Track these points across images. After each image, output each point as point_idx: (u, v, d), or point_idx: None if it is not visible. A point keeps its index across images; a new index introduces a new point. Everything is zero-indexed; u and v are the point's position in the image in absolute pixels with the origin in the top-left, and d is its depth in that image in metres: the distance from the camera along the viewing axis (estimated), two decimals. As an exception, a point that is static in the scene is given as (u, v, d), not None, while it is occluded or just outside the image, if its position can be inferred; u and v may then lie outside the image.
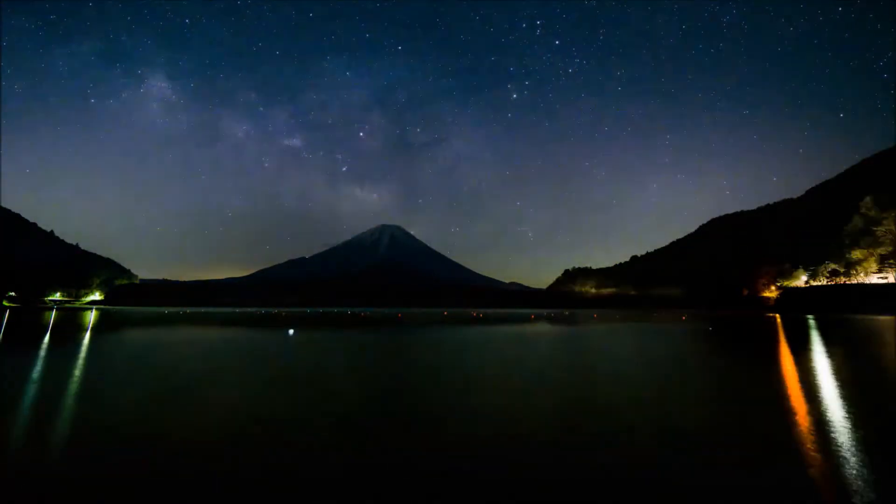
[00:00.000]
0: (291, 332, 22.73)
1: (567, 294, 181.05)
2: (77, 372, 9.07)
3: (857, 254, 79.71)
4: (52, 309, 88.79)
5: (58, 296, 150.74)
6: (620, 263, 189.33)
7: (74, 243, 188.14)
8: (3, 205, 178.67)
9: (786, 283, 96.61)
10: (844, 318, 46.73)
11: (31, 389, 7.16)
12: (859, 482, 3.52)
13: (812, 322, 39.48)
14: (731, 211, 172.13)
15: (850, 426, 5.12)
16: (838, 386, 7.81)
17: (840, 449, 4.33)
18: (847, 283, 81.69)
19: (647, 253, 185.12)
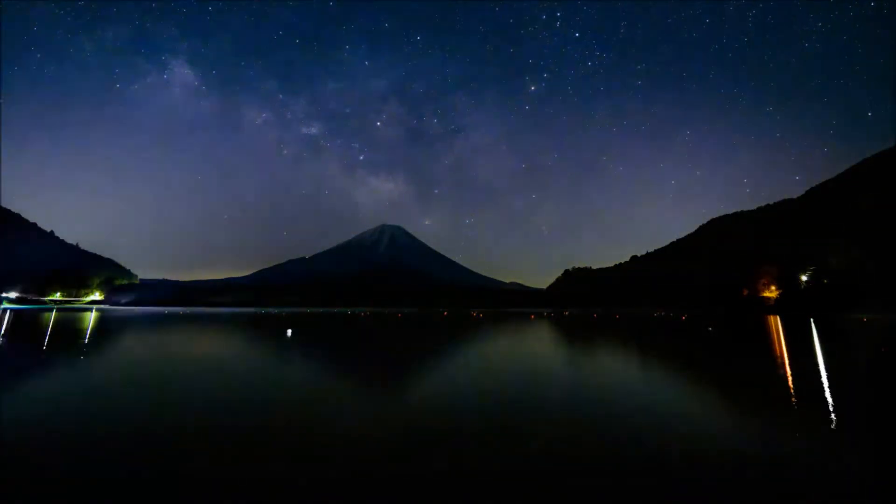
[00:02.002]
0: (290, 332, 22.71)
1: (567, 294, 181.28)
2: (68, 377, 9.05)
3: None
4: (52, 309, 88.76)
5: (58, 296, 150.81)
6: (620, 263, 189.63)
7: (74, 243, 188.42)
8: (3, 205, 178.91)
9: (785, 284, 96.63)
10: (845, 319, 46.71)
11: (25, 392, 7.14)
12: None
13: (812, 323, 39.46)
14: (730, 211, 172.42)
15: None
16: (834, 384, 7.79)
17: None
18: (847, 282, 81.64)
19: (647, 253, 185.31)
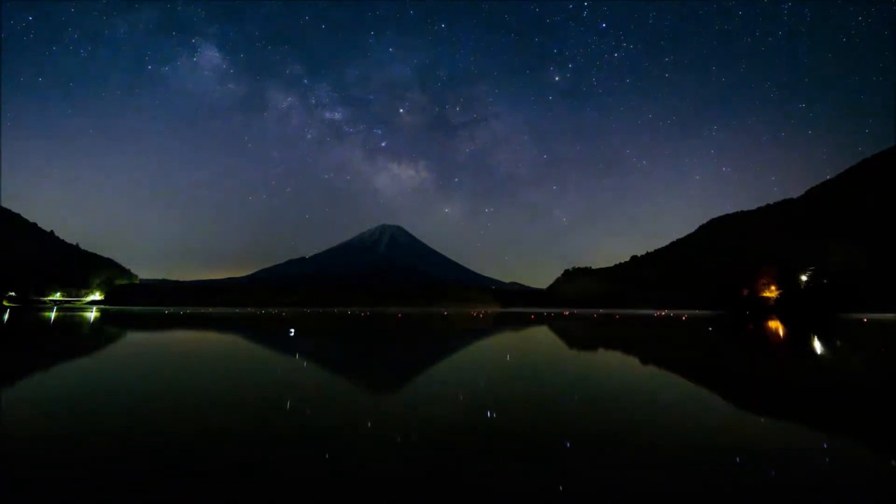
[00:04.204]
0: (292, 331, 22.74)
1: (567, 294, 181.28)
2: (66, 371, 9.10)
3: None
4: (52, 309, 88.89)
5: (58, 296, 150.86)
6: (620, 263, 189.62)
7: (74, 243, 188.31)
8: (4, 205, 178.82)
9: (785, 284, 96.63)
10: (844, 319, 46.77)
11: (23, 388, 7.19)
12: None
13: (812, 323, 39.50)
14: (731, 211, 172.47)
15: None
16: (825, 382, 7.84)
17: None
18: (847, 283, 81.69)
19: (647, 253, 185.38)
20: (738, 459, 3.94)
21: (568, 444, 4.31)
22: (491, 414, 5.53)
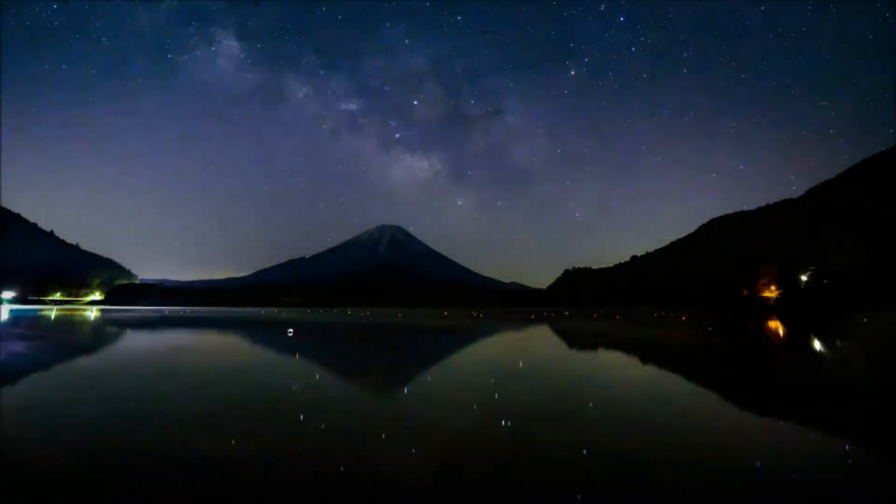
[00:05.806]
0: (290, 331, 22.71)
1: (567, 294, 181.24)
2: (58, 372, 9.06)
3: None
4: (52, 309, 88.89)
5: (58, 295, 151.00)
6: (620, 263, 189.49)
7: (74, 243, 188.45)
8: (3, 205, 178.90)
9: (785, 284, 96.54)
10: (844, 319, 46.69)
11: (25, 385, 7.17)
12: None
13: (812, 323, 39.47)
14: (731, 211, 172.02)
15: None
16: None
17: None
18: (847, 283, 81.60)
19: (647, 253, 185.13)
20: (757, 464, 3.91)
21: (570, 450, 4.29)
22: (489, 414, 5.50)
